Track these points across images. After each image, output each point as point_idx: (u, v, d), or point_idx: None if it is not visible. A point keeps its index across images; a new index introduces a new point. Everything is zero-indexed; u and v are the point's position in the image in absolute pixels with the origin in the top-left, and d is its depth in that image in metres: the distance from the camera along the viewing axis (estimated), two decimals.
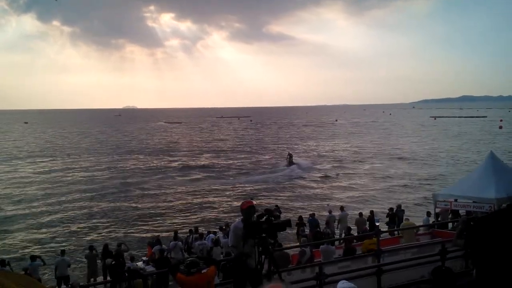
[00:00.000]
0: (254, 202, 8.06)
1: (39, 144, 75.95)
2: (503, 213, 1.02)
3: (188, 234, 17.26)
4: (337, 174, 39.05)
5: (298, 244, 15.94)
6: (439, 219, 16.89)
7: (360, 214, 19.21)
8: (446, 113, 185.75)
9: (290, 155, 45.48)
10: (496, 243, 1.02)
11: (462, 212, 16.12)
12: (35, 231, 23.78)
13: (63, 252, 15.53)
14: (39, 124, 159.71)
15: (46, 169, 46.00)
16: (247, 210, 7.44)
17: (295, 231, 18.26)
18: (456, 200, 15.62)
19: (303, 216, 19.36)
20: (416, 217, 20.73)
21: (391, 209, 19.57)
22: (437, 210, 16.68)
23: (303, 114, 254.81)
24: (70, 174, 41.91)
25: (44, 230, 23.89)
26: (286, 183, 35.50)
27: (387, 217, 19.26)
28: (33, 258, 14.60)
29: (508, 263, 0.99)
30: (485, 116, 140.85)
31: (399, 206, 19.94)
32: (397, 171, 39.65)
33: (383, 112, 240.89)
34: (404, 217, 18.92)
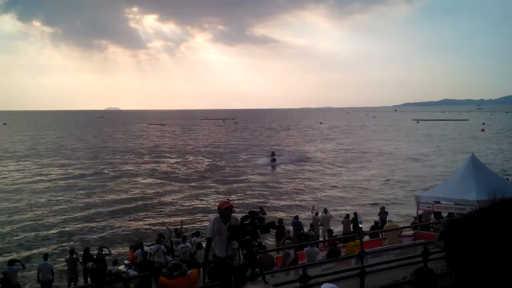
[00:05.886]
0: (231, 203, 8.06)
1: (15, 145, 74.57)
2: (483, 214, 1.01)
3: (168, 237, 17.09)
4: (325, 176, 39.22)
5: (281, 246, 15.88)
6: (422, 220, 17.07)
7: (347, 216, 19.26)
8: (429, 116, 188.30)
9: (273, 153, 50.19)
10: (475, 245, 1.01)
11: (444, 214, 16.31)
12: (14, 234, 23.26)
13: (46, 256, 15.23)
14: (21, 125, 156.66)
15: (22, 171, 45.05)
16: (219, 210, 7.62)
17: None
18: (438, 202, 15.80)
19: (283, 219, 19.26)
20: (399, 218, 20.85)
21: (376, 222, 19.02)
22: (420, 212, 16.86)
23: (288, 116, 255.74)
24: (46, 177, 41.01)
25: (23, 233, 23.36)
26: (269, 184, 35.47)
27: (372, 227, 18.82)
28: (11, 262, 14.22)
29: (487, 266, 0.98)
30: (467, 120, 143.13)
31: (382, 208, 20.06)
32: (382, 172, 39.96)
33: (367, 114, 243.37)
34: (388, 219, 19.00)
